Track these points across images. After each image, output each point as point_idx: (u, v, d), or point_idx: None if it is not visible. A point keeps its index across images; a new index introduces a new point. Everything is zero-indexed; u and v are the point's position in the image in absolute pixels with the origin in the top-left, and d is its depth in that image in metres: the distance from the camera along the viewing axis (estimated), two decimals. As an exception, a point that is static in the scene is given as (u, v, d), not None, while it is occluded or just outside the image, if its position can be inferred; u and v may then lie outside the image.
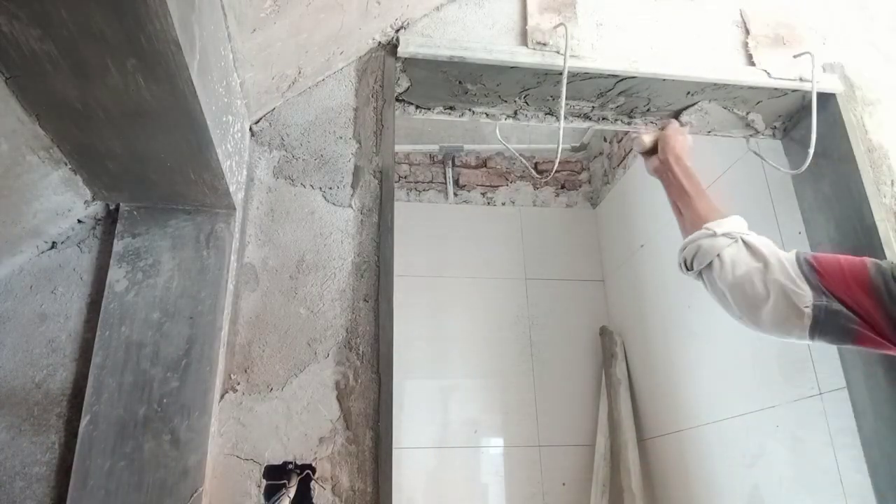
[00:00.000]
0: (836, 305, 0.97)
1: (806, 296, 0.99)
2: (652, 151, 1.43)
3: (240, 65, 1.16)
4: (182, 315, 1.16)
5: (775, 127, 1.74)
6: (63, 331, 1.14)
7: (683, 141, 1.38)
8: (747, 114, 1.69)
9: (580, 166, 3.40)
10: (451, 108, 1.60)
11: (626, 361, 2.83)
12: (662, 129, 1.44)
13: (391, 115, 1.44)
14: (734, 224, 1.15)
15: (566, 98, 1.46)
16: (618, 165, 3.05)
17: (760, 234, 1.16)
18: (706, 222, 1.17)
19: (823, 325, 0.99)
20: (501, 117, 1.64)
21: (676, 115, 1.66)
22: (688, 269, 1.19)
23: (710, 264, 1.12)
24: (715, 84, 1.57)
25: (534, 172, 2.93)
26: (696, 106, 1.63)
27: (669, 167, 1.34)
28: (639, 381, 2.76)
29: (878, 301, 0.95)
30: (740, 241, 1.10)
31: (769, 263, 1.04)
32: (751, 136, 1.75)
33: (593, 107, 1.64)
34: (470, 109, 1.61)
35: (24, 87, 0.86)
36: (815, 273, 1.01)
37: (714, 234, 1.13)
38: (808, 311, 0.99)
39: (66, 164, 1.05)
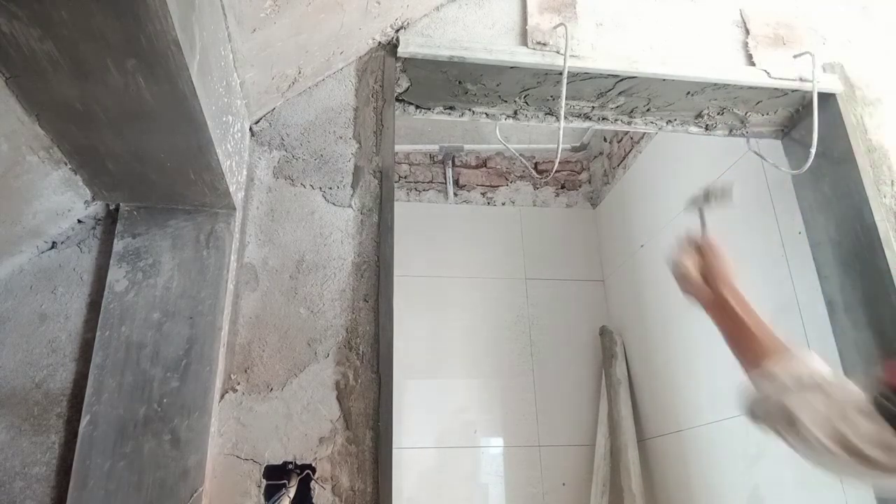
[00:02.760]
0: None
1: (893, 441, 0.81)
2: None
3: (240, 65, 1.16)
4: (182, 315, 1.16)
5: (775, 127, 1.74)
6: (63, 331, 1.14)
7: (727, 260, 1.13)
8: (747, 114, 1.69)
9: (580, 166, 3.40)
10: (451, 108, 1.60)
11: (626, 361, 2.83)
12: (699, 246, 1.16)
13: (391, 115, 1.44)
14: (804, 360, 0.95)
15: (566, 98, 1.46)
16: (618, 165, 3.05)
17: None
18: (770, 356, 0.97)
19: None
20: (501, 117, 1.64)
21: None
22: (754, 419, 0.99)
23: (787, 422, 0.90)
24: (715, 84, 1.57)
25: (534, 172, 2.93)
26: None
27: (725, 304, 1.09)
28: (639, 381, 2.76)
29: None
30: (818, 390, 0.89)
31: (851, 435, 0.83)
32: (751, 136, 1.76)
33: (593, 107, 1.64)
34: (470, 109, 1.61)
35: (24, 87, 0.86)
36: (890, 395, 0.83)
37: (787, 388, 0.92)
38: None
39: (66, 164, 1.05)
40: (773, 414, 0.93)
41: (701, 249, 1.15)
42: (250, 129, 1.36)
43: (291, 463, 1.13)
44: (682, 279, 1.16)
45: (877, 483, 0.90)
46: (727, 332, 1.08)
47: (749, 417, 0.99)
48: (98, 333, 1.12)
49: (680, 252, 1.16)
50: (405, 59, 1.45)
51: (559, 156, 1.53)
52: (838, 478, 0.90)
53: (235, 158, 1.22)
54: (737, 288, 1.10)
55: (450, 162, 3.20)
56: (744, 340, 1.03)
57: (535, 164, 3.32)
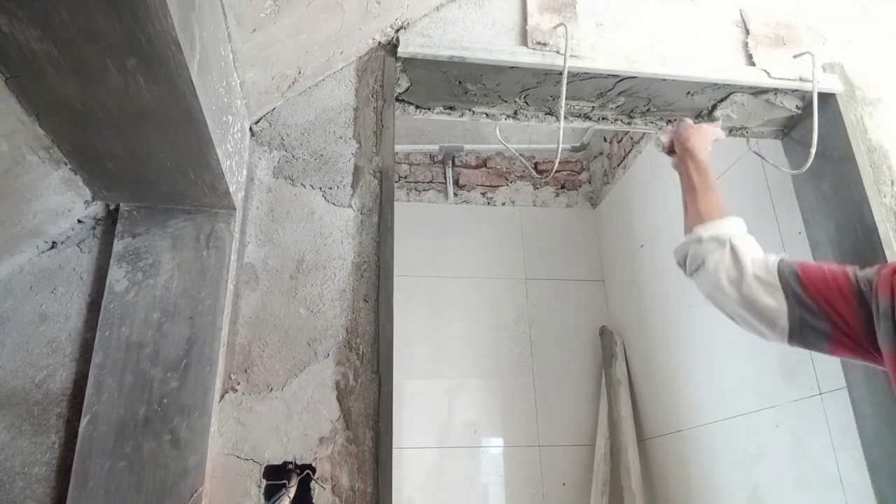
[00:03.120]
0: (812, 316, 0.99)
1: (780, 308, 1.01)
2: (671, 149, 1.44)
3: (240, 65, 1.16)
4: (182, 315, 1.16)
5: (775, 127, 1.74)
6: (63, 331, 1.14)
7: (698, 136, 1.36)
8: (747, 114, 1.69)
9: (580, 166, 3.40)
10: (451, 108, 1.60)
11: (626, 361, 2.83)
12: (676, 126, 1.44)
13: (391, 115, 1.44)
14: (727, 226, 1.15)
15: (566, 98, 1.46)
16: (618, 165, 3.05)
17: (761, 234, 1.16)
18: (703, 222, 1.17)
19: (800, 335, 1.01)
20: (501, 117, 1.64)
21: (711, 110, 1.66)
22: (683, 270, 1.21)
23: (697, 268, 1.14)
24: (715, 84, 1.57)
25: (534, 172, 2.93)
26: (729, 99, 1.63)
27: (682, 161, 1.34)
28: (639, 381, 2.76)
29: (857, 309, 0.96)
30: (728, 245, 1.10)
31: (745, 275, 1.05)
32: (751, 136, 1.76)
33: (593, 107, 1.64)
34: (470, 109, 1.61)
35: (24, 87, 0.86)
36: (797, 281, 1.01)
37: (700, 240, 1.14)
38: (784, 323, 1.01)
39: (66, 164, 1.05)
40: (689, 259, 1.16)
41: (677, 128, 1.41)
42: (250, 129, 1.36)
43: (291, 463, 1.13)
44: (657, 144, 1.45)
45: (755, 330, 1.07)
46: (683, 191, 1.30)
47: (676, 263, 1.22)
48: (98, 333, 1.12)
49: (663, 130, 1.44)
50: (405, 59, 1.45)
51: (559, 156, 1.53)
52: (730, 318, 1.11)
53: (235, 158, 1.22)
54: (697, 155, 1.32)
55: (450, 162, 3.20)
56: (690, 202, 1.25)
57: (535, 164, 3.33)
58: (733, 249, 1.09)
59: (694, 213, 1.22)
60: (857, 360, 1.03)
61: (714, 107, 1.66)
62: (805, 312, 0.99)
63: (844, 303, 0.97)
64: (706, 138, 1.38)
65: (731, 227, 1.15)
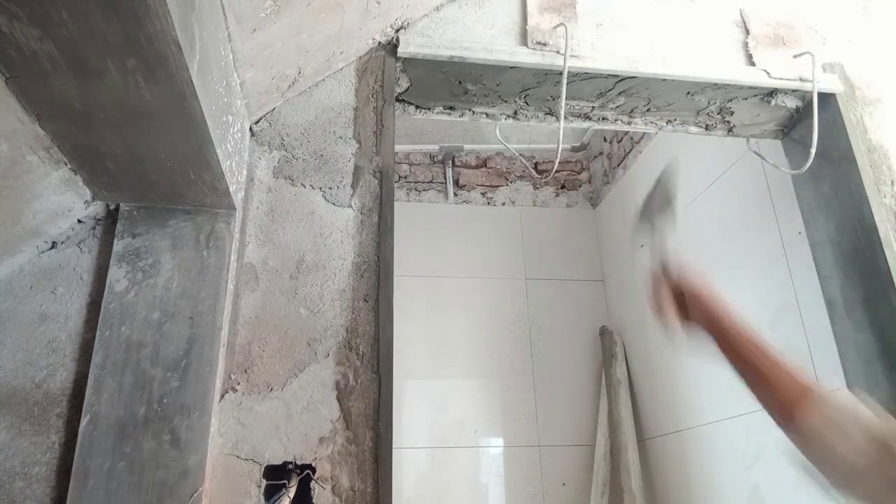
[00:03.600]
0: None
1: None
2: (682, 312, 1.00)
3: (240, 65, 1.16)
4: (182, 315, 1.16)
5: (775, 127, 1.74)
6: (63, 331, 1.14)
7: (705, 282, 0.96)
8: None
9: (580, 166, 3.40)
10: (451, 108, 1.60)
11: (626, 361, 2.82)
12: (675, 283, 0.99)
13: (391, 115, 1.44)
14: (842, 401, 0.88)
15: (566, 98, 1.46)
16: (618, 165, 3.05)
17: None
18: (799, 403, 0.89)
19: None
20: (501, 117, 1.64)
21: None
22: None
23: (834, 466, 0.85)
24: (715, 84, 1.57)
25: (534, 172, 2.93)
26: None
27: (721, 333, 0.98)
28: (639, 381, 2.76)
29: None
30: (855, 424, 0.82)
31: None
32: (751, 136, 1.76)
33: (593, 107, 1.64)
34: (470, 109, 1.61)
35: (24, 87, 0.86)
36: None
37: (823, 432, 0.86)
38: None
39: (66, 164, 1.05)
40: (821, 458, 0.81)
41: (671, 277, 0.98)
42: (250, 129, 1.36)
43: (291, 463, 1.13)
44: (671, 331, 0.99)
45: None
46: (736, 364, 0.94)
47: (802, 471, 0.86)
48: (98, 333, 1.12)
49: (654, 292, 0.98)
50: (405, 59, 1.45)
51: (559, 156, 1.53)
52: None
53: (235, 158, 1.22)
54: (733, 315, 0.94)
55: (450, 162, 3.20)
56: (756, 378, 0.92)
57: (535, 164, 3.32)
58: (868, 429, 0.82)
59: (776, 402, 0.93)
60: None
61: (720, 108, 1.66)
62: None
63: None
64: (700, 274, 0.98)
65: (844, 401, 0.87)
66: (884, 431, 0.78)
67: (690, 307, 0.94)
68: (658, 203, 1.05)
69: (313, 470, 1.14)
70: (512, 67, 1.47)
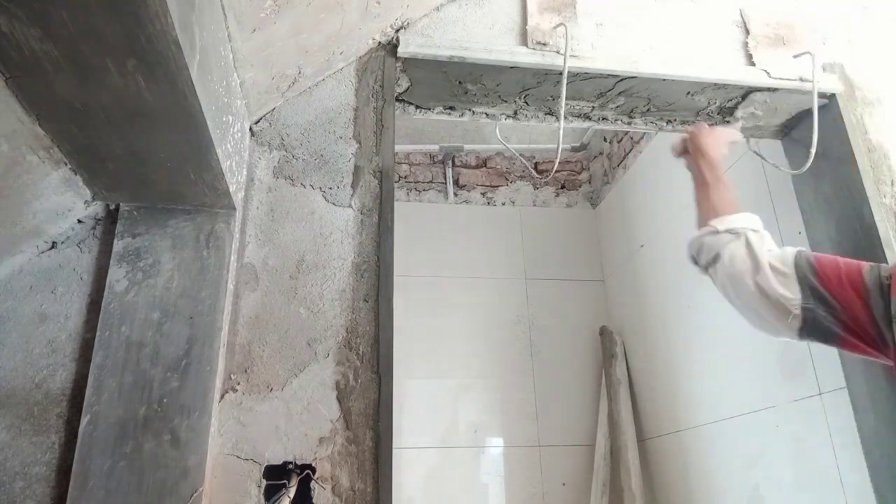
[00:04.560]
0: (826, 309, 0.99)
1: (794, 299, 1.01)
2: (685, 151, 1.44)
3: (240, 65, 1.16)
4: (182, 315, 1.16)
5: (775, 127, 1.74)
6: (63, 331, 1.14)
7: (711, 137, 1.37)
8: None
9: (580, 166, 3.40)
10: (451, 108, 1.60)
11: (626, 361, 2.82)
12: (689, 131, 1.44)
13: (391, 115, 1.44)
14: (741, 220, 1.16)
15: (566, 98, 1.46)
16: (618, 165, 3.05)
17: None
18: (717, 216, 1.19)
19: (812, 328, 1.02)
20: (501, 117, 1.64)
21: (731, 111, 1.67)
22: (696, 264, 1.21)
23: (713, 260, 1.14)
24: (715, 84, 1.57)
25: (534, 172, 2.93)
26: (748, 99, 1.63)
27: (694, 159, 1.35)
28: (639, 381, 2.76)
29: (867, 304, 0.97)
30: (743, 237, 1.11)
31: (760, 265, 1.06)
32: (751, 135, 1.76)
33: (593, 107, 1.64)
34: (470, 109, 1.61)
35: (24, 87, 0.86)
36: (813, 272, 1.02)
37: (716, 231, 1.15)
38: (797, 313, 1.01)
39: (66, 164, 1.05)
40: (703, 252, 1.17)
41: (695, 136, 1.39)
42: (250, 129, 1.36)
43: (291, 463, 1.13)
44: (673, 149, 1.45)
45: (767, 324, 1.07)
46: (695, 189, 1.31)
47: (689, 257, 1.22)
48: (98, 333, 1.12)
49: (680, 138, 1.44)
50: (405, 59, 1.45)
51: (559, 156, 1.53)
52: (743, 315, 1.12)
53: (235, 158, 1.22)
54: (710, 154, 1.32)
55: (450, 162, 3.20)
56: (703, 198, 1.26)
57: (535, 164, 3.32)
58: (748, 241, 1.10)
59: (707, 208, 1.23)
60: (864, 356, 1.03)
61: (720, 108, 1.66)
62: (819, 304, 1.00)
63: (856, 298, 0.98)
64: (719, 139, 1.38)
65: (747, 221, 1.16)
66: (751, 232, 1.15)
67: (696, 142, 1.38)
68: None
69: (313, 470, 1.14)
70: (512, 67, 1.47)
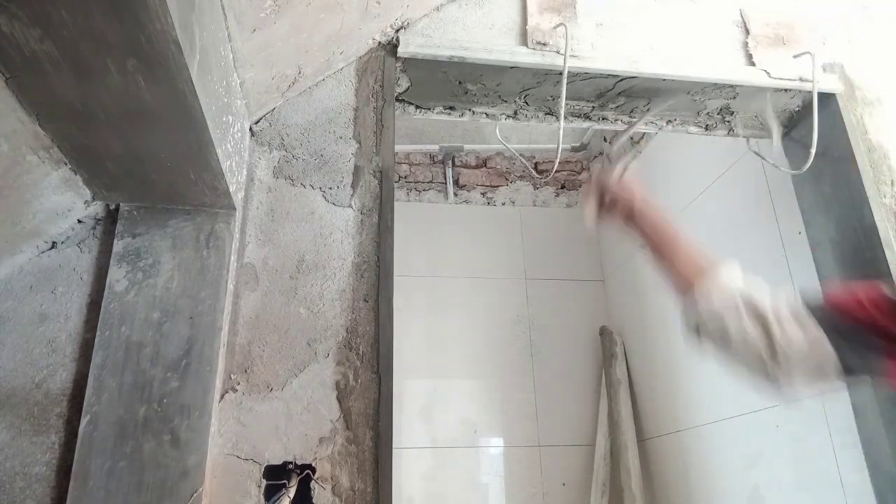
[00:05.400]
0: (860, 343, 0.89)
1: (823, 343, 0.89)
2: (607, 210, 1.19)
3: (240, 65, 1.16)
4: (182, 315, 1.16)
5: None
6: (63, 331, 1.14)
7: (635, 189, 1.14)
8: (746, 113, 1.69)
9: (580, 166, 3.40)
10: (451, 108, 1.60)
11: (626, 361, 2.82)
12: (598, 187, 1.18)
13: (391, 115, 1.44)
14: (728, 280, 1.00)
15: (566, 98, 1.46)
16: (618, 165, 3.05)
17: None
18: (698, 278, 1.01)
19: (854, 368, 0.90)
20: (501, 117, 1.64)
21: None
22: (697, 340, 1.05)
23: (723, 342, 0.99)
24: (715, 84, 1.57)
25: (534, 172, 2.93)
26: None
27: (639, 218, 1.13)
28: (639, 381, 2.76)
29: None
30: (740, 304, 0.96)
31: (773, 333, 0.92)
32: (751, 136, 1.76)
33: (593, 107, 1.64)
34: (470, 109, 1.61)
35: (24, 87, 0.86)
36: (828, 312, 0.92)
37: (711, 304, 0.98)
38: (832, 361, 0.89)
39: (66, 164, 1.05)
40: (703, 331, 1.00)
41: (602, 189, 1.17)
42: (250, 129, 1.36)
43: (291, 463, 1.13)
44: (589, 219, 1.19)
45: (805, 385, 0.94)
46: (652, 247, 1.10)
47: (687, 335, 1.05)
48: (98, 333, 1.12)
49: (589, 190, 1.20)
50: (405, 59, 1.45)
51: (559, 156, 1.53)
52: (773, 389, 0.96)
53: (235, 158, 1.22)
54: (653, 205, 1.12)
55: (450, 162, 3.20)
56: (668, 258, 1.07)
57: (535, 164, 3.32)
58: (748, 306, 0.95)
59: (680, 270, 1.04)
60: None
61: (720, 108, 1.66)
62: (850, 340, 0.89)
63: (884, 315, 0.88)
64: (625, 181, 1.16)
65: (732, 276, 1.01)
66: (762, 309, 0.94)
67: (618, 206, 1.15)
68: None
69: (313, 470, 1.14)
70: (512, 67, 1.47)
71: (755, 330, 0.93)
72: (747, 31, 1.64)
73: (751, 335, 0.93)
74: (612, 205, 1.16)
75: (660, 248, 1.08)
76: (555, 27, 1.51)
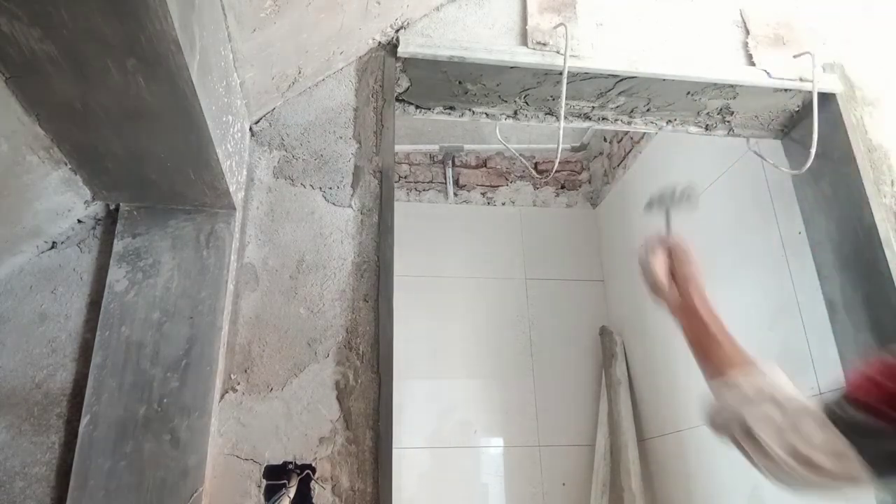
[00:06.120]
0: (884, 438, 0.82)
1: (850, 455, 0.83)
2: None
3: (240, 65, 1.16)
4: (182, 315, 1.16)
5: (775, 127, 1.74)
6: (63, 331, 1.14)
7: (697, 263, 1.12)
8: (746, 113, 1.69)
9: (580, 166, 3.40)
10: (451, 108, 1.60)
11: (626, 361, 2.82)
12: (667, 246, 1.14)
13: (391, 115, 1.44)
14: (772, 383, 0.95)
15: (566, 98, 1.46)
16: (618, 165, 3.05)
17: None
18: (731, 369, 0.98)
19: (882, 469, 0.83)
20: (501, 117, 1.64)
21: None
22: (723, 436, 0.98)
23: (741, 431, 0.92)
24: (715, 84, 1.57)
25: (534, 172, 2.93)
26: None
27: (694, 310, 1.09)
28: (639, 381, 2.76)
29: None
30: (770, 402, 0.90)
31: (798, 447, 0.85)
32: (751, 136, 1.76)
33: (593, 107, 1.64)
34: (470, 109, 1.61)
35: (24, 87, 0.86)
36: (853, 408, 0.85)
37: (751, 401, 0.92)
38: (860, 465, 0.82)
39: (66, 164, 1.05)
40: (730, 423, 0.94)
41: (670, 251, 1.14)
42: (250, 129, 1.36)
43: (291, 463, 1.13)
44: (652, 282, 1.16)
45: (829, 493, 0.88)
46: (693, 338, 1.07)
47: (709, 426, 0.99)
48: (98, 333, 1.12)
49: (649, 253, 1.15)
50: (405, 59, 1.45)
51: (559, 156, 1.53)
52: (792, 490, 0.90)
53: (235, 158, 1.22)
54: (705, 294, 1.09)
55: (450, 162, 3.20)
56: (709, 348, 1.03)
57: (535, 164, 3.32)
58: (786, 414, 0.89)
59: (721, 364, 1.00)
60: None
61: (720, 108, 1.66)
62: (873, 441, 0.82)
63: None
64: (686, 259, 1.13)
65: (778, 379, 0.94)
66: (781, 390, 0.91)
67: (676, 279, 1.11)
68: (679, 198, 1.20)
69: (313, 470, 1.14)
70: (512, 67, 1.47)
71: (781, 422, 0.88)
72: (747, 31, 1.64)
73: (775, 426, 0.88)
74: (675, 276, 1.12)
75: (710, 335, 1.04)
76: (555, 27, 1.51)
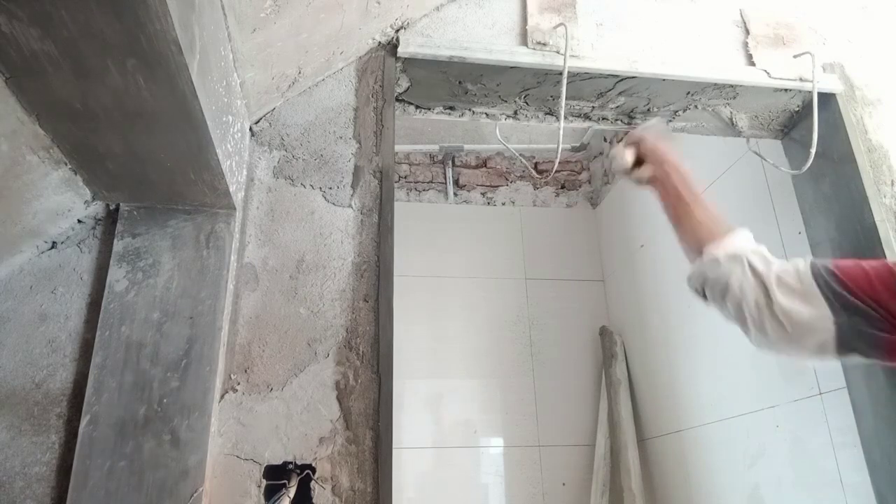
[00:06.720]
0: (861, 319, 0.88)
1: (823, 316, 0.90)
2: (635, 164, 1.21)
3: (240, 65, 1.16)
4: (182, 315, 1.16)
5: (775, 127, 1.74)
6: (63, 331, 1.14)
7: (668, 145, 1.18)
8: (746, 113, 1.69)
9: (580, 166, 3.40)
10: (451, 108, 1.60)
11: (626, 361, 2.83)
12: (637, 139, 1.21)
13: (391, 115, 1.44)
14: (740, 241, 1.03)
15: (566, 98, 1.46)
16: (618, 165, 3.05)
17: (761, 234, 1.13)
18: (708, 239, 1.04)
19: (850, 342, 0.90)
20: (501, 117, 1.64)
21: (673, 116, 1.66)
22: (702, 298, 1.07)
23: (721, 295, 1.00)
24: (715, 84, 1.57)
25: (534, 172, 2.93)
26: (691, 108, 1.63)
27: (667, 176, 1.14)
28: (639, 381, 2.76)
29: None
30: (746, 265, 0.97)
31: (772, 291, 0.93)
32: (751, 136, 1.76)
33: (593, 107, 1.64)
34: (470, 109, 1.61)
35: (24, 87, 0.86)
36: (836, 280, 0.91)
37: (718, 262, 1.01)
38: (831, 331, 0.89)
39: (66, 164, 1.05)
40: (708, 286, 1.02)
41: (638, 142, 1.19)
42: (250, 129, 1.36)
43: (291, 463, 1.13)
44: (620, 165, 1.20)
45: (802, 352, 0.95)
46: (670, 208, 1.14)
47: (691, 290, 1.08)
48: (98, 333, 1.12)
49: (619, 147, 1.21)
50: (405, 59, 1.45)
51: (559, 156, 1.53)
52: (769, 349, 0.98)
53: (235, 158, 1.22)
54: (681, 168, 1.14)
55: (450, 162, 3.20)
56: (686, 220, 1.10)
57: (535, 164, 3.32)
58: (753, 267, 0.97)
59: (695, 232, 1.08)
60: None
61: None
62: (853, 315, 0.88)
63: (892, 297, 0.86)
64: (671, 143, 1.19)
65: (744, 241, 1.02)
66: (753, 252, 0.99)
67: (652, 158, 1.17)
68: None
69: (313, 470, 1.14)
70: (512, 67, 1.47)
71: (754, 292, 0.95)
72: (747, 31, 1.64)
73: (750, 297, 0.95)
74: (645, 155, 1.17)
75: (680, 207, 1.11)
76: (555, 27, 1.51)
